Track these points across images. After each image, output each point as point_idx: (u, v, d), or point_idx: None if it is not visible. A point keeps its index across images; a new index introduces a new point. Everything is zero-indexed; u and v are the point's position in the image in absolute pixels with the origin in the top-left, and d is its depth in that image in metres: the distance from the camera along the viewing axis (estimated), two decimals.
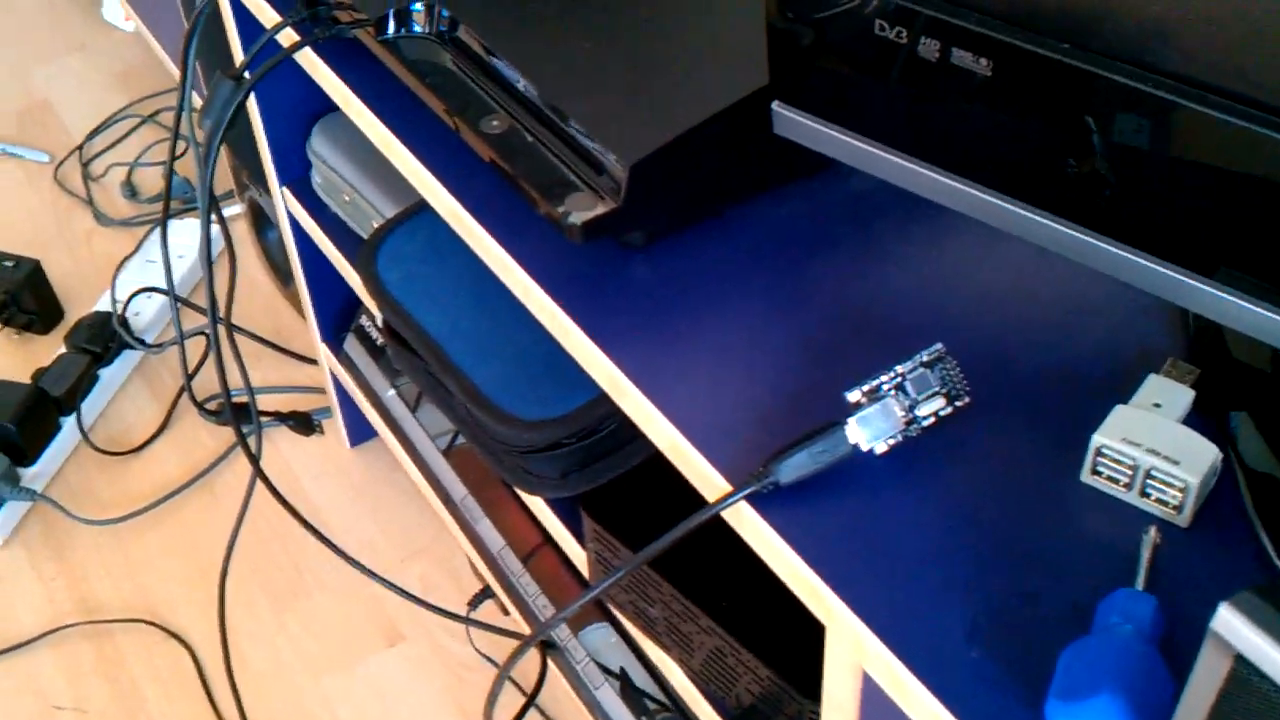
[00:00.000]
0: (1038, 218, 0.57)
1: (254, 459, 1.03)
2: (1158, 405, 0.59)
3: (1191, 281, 0.53)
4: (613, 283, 0.70)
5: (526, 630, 1.08)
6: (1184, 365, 0.61)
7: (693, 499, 0.80)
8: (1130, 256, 0.54)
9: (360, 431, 1.42)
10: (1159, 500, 0.56)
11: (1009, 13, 0.54)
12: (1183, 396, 0.59)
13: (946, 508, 0.58)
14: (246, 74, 0.89)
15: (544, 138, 0.71)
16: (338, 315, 1.30)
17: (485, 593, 1.15)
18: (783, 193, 0.74)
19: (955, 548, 0.56)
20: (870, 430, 0.58)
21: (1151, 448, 0.56)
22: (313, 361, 1.52)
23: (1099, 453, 0.57)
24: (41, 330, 1.57)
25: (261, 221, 1.55)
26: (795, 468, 0.58)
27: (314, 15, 0.88)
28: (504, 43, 0.74)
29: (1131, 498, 0.57)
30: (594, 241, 0.72)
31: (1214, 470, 0.56)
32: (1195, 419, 0.58)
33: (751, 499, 0.58)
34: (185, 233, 1.67)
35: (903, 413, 0.59)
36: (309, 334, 1.56)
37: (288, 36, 0.92)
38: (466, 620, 1.09)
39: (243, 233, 1.70)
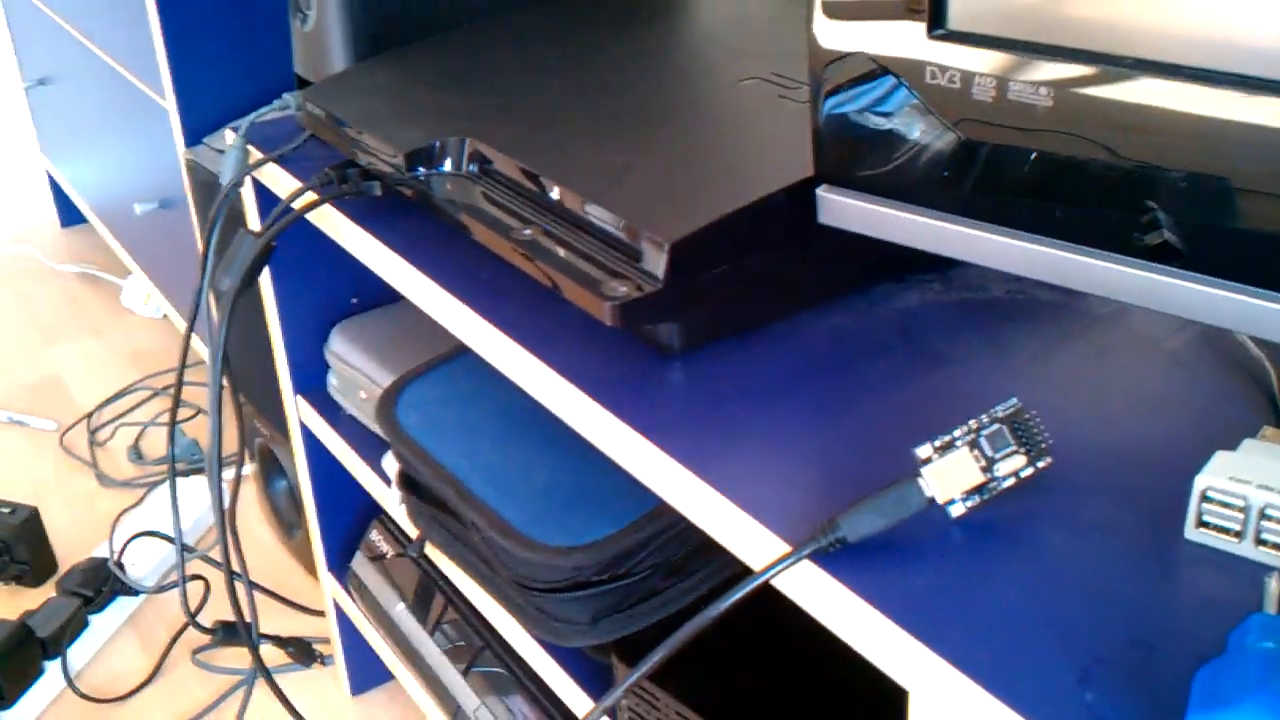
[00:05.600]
0: (1113, 265, 0.54)
1: (266, 673, 0.95)
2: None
3: None
4: (651, 385, 0.65)
5: None
6: (1277, 432, 0.56)
7: (741, 639, 0.72)
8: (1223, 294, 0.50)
9: (364, 678, 1.33)
10: (1277, 546, 0.50)
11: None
12: None
13: (1036, 568, 0.51)
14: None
15: (578, 239, 0.69)
16: (345, 540, 1.24)
17: None
18: (825, 310, 0.71)
19: (1051, 607, 0.49)
20: (945, 482, 0.53)
21: (1263, 483, 0.50)
22: (317, 613, 1.44)
23: (1204, 498, 0.51)
24: (33, 583, 1.50)
25: (270, 470, 1.51)
26: (864, 523, 0.52)
27: (342, 177, 0.88)
28: (532, 155, 0.73)
29: (1245, 549, 0.51)
30: (631, 341, 0.68)
31: None
32: None
33: (816, 557, 0.52)
34: (188, 490, 1.63)
35: (980, 468, 0.53)
36: (313, 589, 1.49)
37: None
38: None
39: (248, 494, 1.66)
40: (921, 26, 0.55)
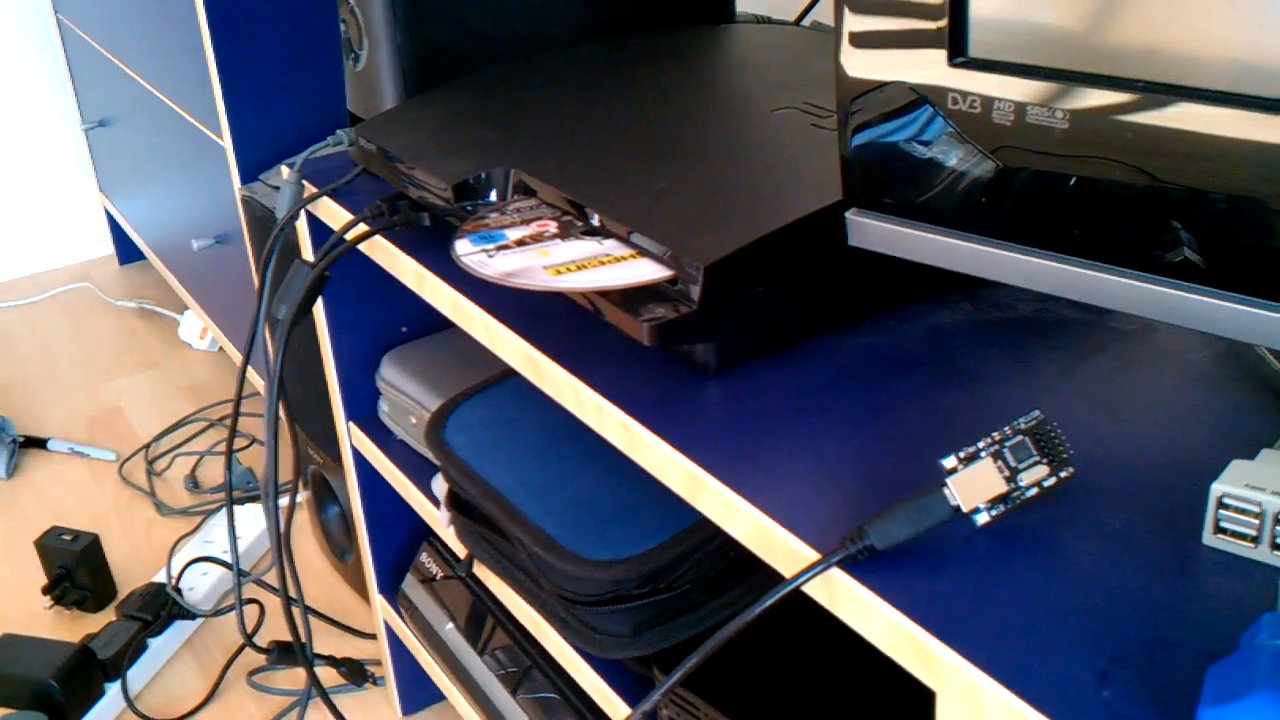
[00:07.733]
0: (1136, 282, 0.55)
1: (322, 691, 0.98)
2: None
3: None
4: (689, 403, 0.68)
5: None
6: None
7: (778, 650, 0.74)
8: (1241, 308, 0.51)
9: (415, 698, 1.35)
10: None
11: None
12: None
13: (1058, 574, 0.53)
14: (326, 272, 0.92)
15: None
16: (396, 564, 1.27)
17: None
18: (857, 329, 0.73)
19: (1072, 610, 0.51)
20: (969, 492, 0.55)
21: (1278, 490, 0.52)
22: (369, 636, 1.47)
23: (1220, 504, 0.53)
24: (93, 608, 1.54)
25: (323, 497, 1.55)
26: (891, 531, 0.54)
27: (392, 209, 0.92)
28: (573, 184, 0.76)
29: (1262, 554, 0.52)
30: (670, 361, 0.71)
31: None
32: None
33: (845, 565, 0.54)
34: (243, 517, 1.67)
35: (1004, 478, 0.55)
36: (365, 612, 1.53)
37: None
38: None
39: (301, 520, 1.70)
40: (943, 54, 0.57)
